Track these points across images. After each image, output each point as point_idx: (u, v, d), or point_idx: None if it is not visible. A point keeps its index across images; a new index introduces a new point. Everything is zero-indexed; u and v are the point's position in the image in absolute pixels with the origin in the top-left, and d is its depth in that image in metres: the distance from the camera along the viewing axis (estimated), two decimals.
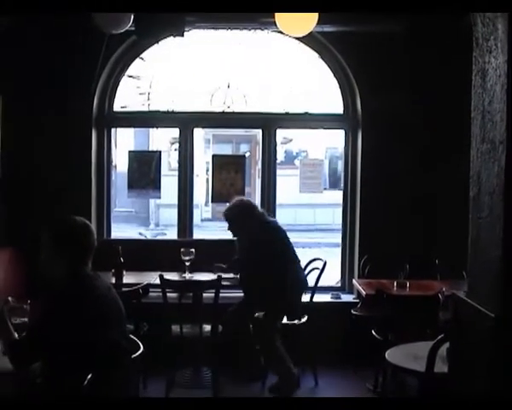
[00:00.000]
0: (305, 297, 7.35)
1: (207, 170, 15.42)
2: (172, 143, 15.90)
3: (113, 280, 6.84)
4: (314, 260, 7.74)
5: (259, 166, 8.71)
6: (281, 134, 8.69)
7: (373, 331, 6.66)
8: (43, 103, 7.78)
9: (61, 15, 7.05)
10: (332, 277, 8.63)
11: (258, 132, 8.75)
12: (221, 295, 6.64)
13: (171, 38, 7.76)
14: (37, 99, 7.78)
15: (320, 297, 7.82)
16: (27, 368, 4.01)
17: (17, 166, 7.82)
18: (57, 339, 3.78)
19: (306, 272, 7.49)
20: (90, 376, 3.56)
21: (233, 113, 8.52)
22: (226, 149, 18.08)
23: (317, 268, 7.42)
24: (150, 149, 16.31)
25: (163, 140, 16.46)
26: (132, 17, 7.00)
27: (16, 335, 3.97)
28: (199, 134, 8.23)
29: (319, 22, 6.61)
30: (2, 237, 7.66)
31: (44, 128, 7.76)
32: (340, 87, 8.32)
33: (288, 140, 19.28)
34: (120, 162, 8.86)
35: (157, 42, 8.16)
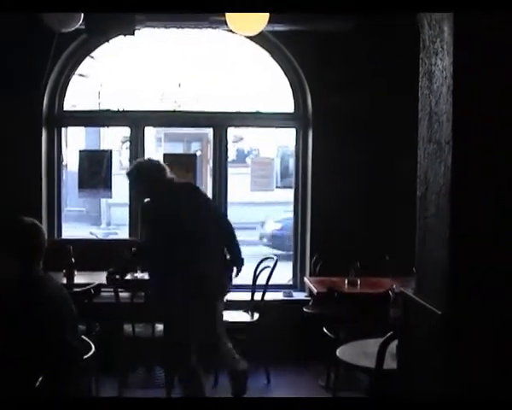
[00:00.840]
0: (257, 295, 7.40)
1: None
2: (123, 142, 15.84)
3: (65, 280, 6.81)
4: (266, 258, 7.78)
5: (211, 164, 8.72)
6: (232, 133, 8.71)
7: (324, 329, 6.71)
8: None
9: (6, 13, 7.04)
10: (284, 275, 8.67)
11: (210, 131, 8.76)
12: None
13: (122, 36, 7.72)
14: None
15: (272, 295, 7.85)
16: None
17: None
18: (8, 339, 3.76)
19: (259, 270, 7.53)
20: (41, 377, 3.55)
21: (184, 112, 8.54)
22: (178, 148, 18.03)
23: (269, 266, 7.46)
24: (102, 148, 16.22)
25: (114, 139, 16.39)
26: (82, 15, 6.98)
27: None
28: (150, 133, 8.22)
29: (270, 21, 6.65)
30: None
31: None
32: (291, 86, 8.37)
33: (239, 138, 19.33)
34: (71, 161, 8.80)
35: (107, 40, 8.11)
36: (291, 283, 8.60)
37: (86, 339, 4.30)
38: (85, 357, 4.00)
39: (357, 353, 4.83)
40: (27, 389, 3.54)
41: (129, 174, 6.26)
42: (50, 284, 3.98)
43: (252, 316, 7.35)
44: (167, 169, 6.21)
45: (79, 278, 6.97)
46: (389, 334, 4.05)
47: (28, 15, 6.93)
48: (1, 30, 7.41)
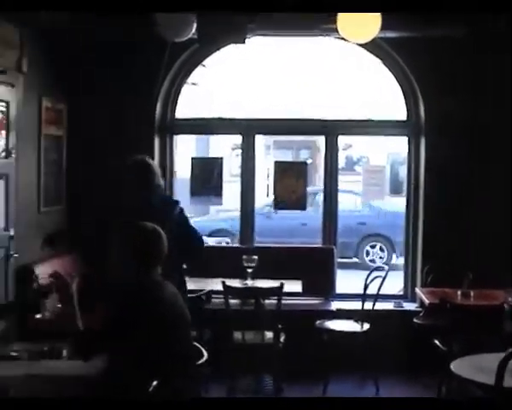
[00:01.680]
0: (368, 305, 7.33)
1: (267, 176, 15.42)
2: (233, 149, 15.95)
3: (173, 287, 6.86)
4: (377, 268, 7.69)
5: (320, 172, 8.68)
6: (342, 140, 8.64)
7: (436, 341, 6.58)
8: (107, 110, 7.86)
9: (124, 24, 7.18)
10: (395, 285, 8.55)
11: (319, 138, 8.72)
12: (283, 302, 6.64)
13: (233, 45, 7.78)
14: (100, 106, 7.86)
15: (382, 305, 7.75)
16: (90, 358, 4.07)
17: (83, 172, 7.91)
18: (125, 341, 3.82)
19: (369, 279, 7.44)
20: (155, 382, 3.58)
21: (295, 119, 8.51)
22: (286, 156, 18.06)
23: (380, 276, 7.37)
24: (210, 155, 16.37)
25: (223, 146, 16.50)
26: (195, 25, 7.06)
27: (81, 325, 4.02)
28: (259, 140, 8.24)
29: (381, 28, 6.58)
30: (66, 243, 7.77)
31: (108, 135, 7.84)
32: (404, 93, 8.25)
33: (348, 146, 19.20)
34: (180, 169, 8.89)
35: (219, 49, 8.18)
36: (401, 293, 8.48)
37: (198, 346, 4.32)
38: (198, 363, 4.01)
39: (473, 367, 4.69)
40: (141, 392, 3.58)
41: None
42: (167, 290, 4.03)
43: (361, 326, 7.27)
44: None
45: (190, 285, 7.01)
46: (510, 350, 3.92)
47: (142, 26, 7.05)
48: (117, 39, 7.56)
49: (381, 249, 15.08)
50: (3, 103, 6.61)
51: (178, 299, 4.08)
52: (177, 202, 6.10)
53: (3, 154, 6.66)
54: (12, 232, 6.69)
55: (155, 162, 7.96)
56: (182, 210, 6.00)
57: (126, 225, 4.15)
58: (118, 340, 3.83)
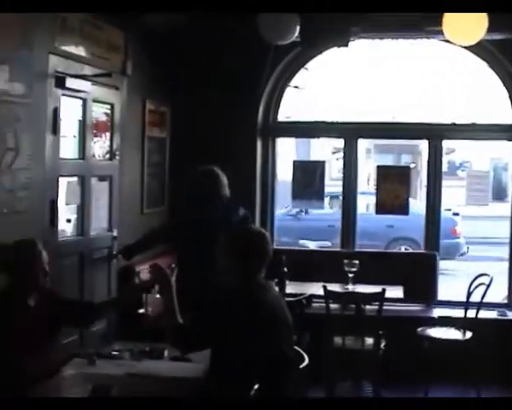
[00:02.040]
0: (471, 313, 7.17)
1: (368, 180, 15.31)
2: (334, 153, 15.89)
3: (277, 290, 6.87)
4: (480, 275, 7.52)
5: (421, 177, 8.54)
6: (445, 144, 8.47)
7: None
8: (209, 112, 7.92)
9: (228, 26, 7.23)
10: (497, 292, 8.34)
11: (421, 143, 8.59)
12: (385, 307, 6.57)
13: (336, 48, 7.75)
14: (203, 108, 7.93)
15: (485, 314, 7.57)
16: (191, 352, 4.16)
17: (185, 174, 7.99)
18: (225, 343, 3.83)
19: (473, 287, 7.28)
20: (257, 385, 3.58)
21: (398, 123, 8.41)
22: (387, 160, 17.89)
23: (484, 283, 7.19)
24: (311, 159, 16.36)
25: (324, 150, 16.46)
26: (298, 28, 7.05)
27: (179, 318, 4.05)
28: (360, 143, 8.17)
29: (487, 30, 6.43)
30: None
31: (210, 137, 7.90)
32: (510, 97, 8.04)
33: (451, 150, 18.88)
34: (280, 172, 8.89)
35: (321, 52, 8.15)
36: (506, 301, 8.26)
37: (299, 350, 4.29)
38: (300, 368, 3.99)
39: None
40: (243, 395, 3.58)
41: None
42: (270, 293, 4.02)
43: (464, 334, 7.12)
44: None
45: (291, 288, 7.01)
46: None
47: (246, 28, 7.09)
48: (221, 42, 7.61)
49: None
50: (108, 106, 6.73)
51: (281, 302, 4.07)
52: (239, 209, 6.38)
53: (108, 155, 6.79)
54: (115, 233, 6.81)
55: (258, 165, 8.08)
56: (246, 219, 6.17)
57: (232, 229, 4.18)
58: (220, 341, 3.84)
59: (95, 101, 6.45)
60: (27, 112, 5.28)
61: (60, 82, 5.73)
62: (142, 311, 5.01)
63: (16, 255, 4.61)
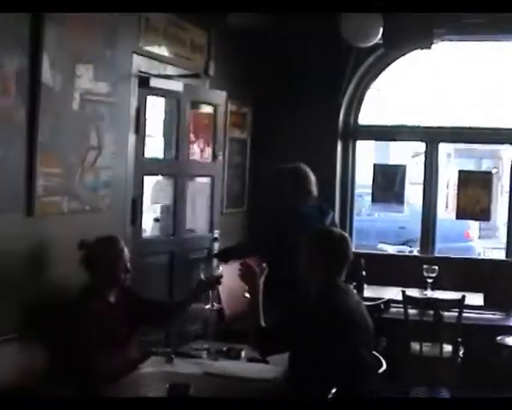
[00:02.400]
0: None
1: (447, 185, 15.07)
2: (414, 157, 15.68)
3: (357, 294, 6.83)
4: None
5: (502, 182, 8.37)
6: None
7: None
8: (291, 114, 7.91)
9: (311, 28, 7.21)
10: None
11: (504, 148, 8.42)
12: (464, 315, 6.47)
13: (419, 50, 7.67)
14: (284, 110, 7.92)
15: None
16: (271, 355, 4.16)
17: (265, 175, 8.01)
18: (298, 343, 3.81)
19: None
20: (334, 389, 3.56)
21: (481, 128, 8.26)
22: (468, 165, 17.59)
23: None
24: (390, 162, 16.21)
25: (403, 153, 16.27)
26: (381, 30, 7.00)
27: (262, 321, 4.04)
28: (441, 147, 8.06)
29: None
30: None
31: (291, 139, 7.89)
32: None
33: None
34: (360, 174, 8.82)
35: (404, 54, 8.06)
36: None
37: (377, 355, 4.25)
38: (378, 372, 3.95)
39: None
40: (320, 397, 3.56)
41: None
42: (351, 297, 4.01)
43: None
44: None
45: (368, 292, 6.96)
46: None
47: (328, 30, 7.07)
48: (303, 43, 7.59)
49: None
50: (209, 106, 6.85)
51: (361, 306, 4.05)
52: (329, 210, 6.29)
53: (208, 156, 6.85)
54: (216, 234, 6.82)
55: (338, 168, 8.03)
56: (334, 222, 6.15)
57: (316, 233, 4.16)
58: (300, 343, 3.83)
59: (195, 102, 6.56)
60: (111, 111, 5.34)
61: (143, 82, 5.80)
62: (208, 306, 5.02)
63: (97, 252, 4.69)
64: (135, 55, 5.71)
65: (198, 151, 6.84)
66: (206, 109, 6.98)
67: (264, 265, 4.18)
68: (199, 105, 6.86)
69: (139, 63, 5.77)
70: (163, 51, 6.12)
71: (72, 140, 4.92)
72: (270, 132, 7.98)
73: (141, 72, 5.79)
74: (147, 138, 6.00)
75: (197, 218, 6.83)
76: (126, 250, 4.78)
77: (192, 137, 6.66)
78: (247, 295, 4.20)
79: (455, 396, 6.58)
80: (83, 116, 5.02)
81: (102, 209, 5.34)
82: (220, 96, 6.92)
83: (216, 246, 6.80)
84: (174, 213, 6.40)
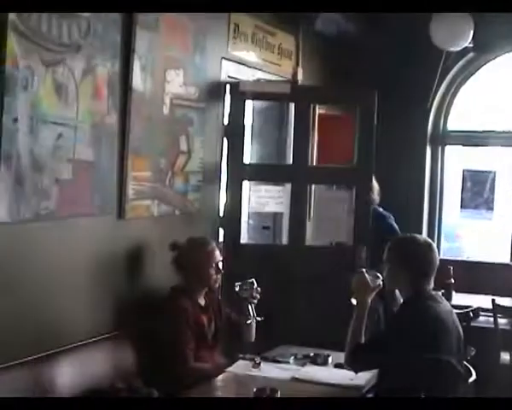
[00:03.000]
0: None
1: None
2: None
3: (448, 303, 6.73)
4: None
5: None
6: None
7: None
8: (379, 118, 7.85)
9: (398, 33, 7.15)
10: None
11: None
12: None
13: (509, 53, 7.57)
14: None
15: None
16: (362, 371, 4.10)
17: None
18: (391, 354, 3.78)
19: None
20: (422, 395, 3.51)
21: None
22: None
23: None
24: (481, 169, 15.93)
25: (493, 159, 15.96)
26: (471, 33, 6.91)
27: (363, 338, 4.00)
28: None
29: None
30: None
31: (381, 142, 7.83)
32: None
33: None
34: (448, 180, 8.70)
35: (495, 58, 7.93)
36: None
37: (467, 365, 4.17)
38: (469, 382, 3.89)
39: None
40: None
41: None
42: (441, 305, 3.94)
43: None
44: None
45: (457, 300, 6.84)
46: None
47: (418, 34, 7.00)
48: (391, 47, 7.52)
49: None
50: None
51: (453, 315, 3.97)
52: (389, 216, 6.46)
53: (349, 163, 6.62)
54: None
55: (427, 173, 7.93)
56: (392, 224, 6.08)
57: (401, 239, 4.12)
58: (389, 352, 3.79)
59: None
60: (200, 116, 5.39)
61: (236, 87, 5.82)
62: (249, 321, 4.94)
63: (189, 252, 4.73)
64: (224, 61, 5.75)
65: (328, 156, 6.64)
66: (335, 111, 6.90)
67: (379, 282, 4.09)
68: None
69: (228, 68, 5.80)
70: (251, 57, 6.14)
71: (163, 144, 4.98)
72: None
73: (230, 77, 5.82)
74: (243, 144, 6.00)
75: (330, 227, 6.48)
76: (218, 253, 4.82)
77: (318, 141, 6.60)
78: (354, 302, 4.12)
79: None
80: (173, 121, 5.08)
81: (192, 213, 5.39)
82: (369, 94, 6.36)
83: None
84: (290, 220, 6.09)
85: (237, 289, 4.86)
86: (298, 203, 6.02)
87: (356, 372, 4.11)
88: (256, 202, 6.27)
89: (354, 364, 4.02)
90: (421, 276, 3.93)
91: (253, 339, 5.09)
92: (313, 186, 6.42)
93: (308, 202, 6.27)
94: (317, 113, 6.86)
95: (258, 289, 4.92)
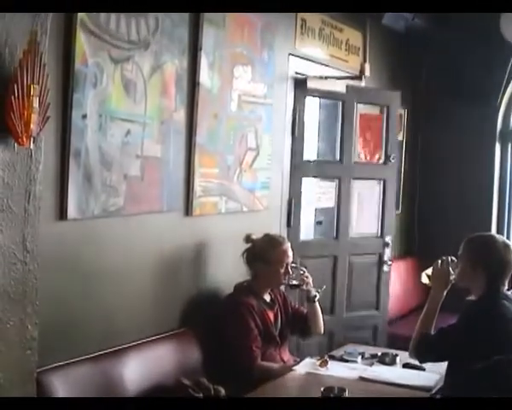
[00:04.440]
0: None
1: None
2: None
3: None
4: None
5: None
6: None
7: None
8: (447, 115, 7.75)
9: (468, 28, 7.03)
10: None
11: None
12: None
13: None
14: (440, 111, 7.78)
15: None
16: (425, 362, 4.07)
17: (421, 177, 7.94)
18: (461, 352, 3.72)
19: None
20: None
21: None
22: None
23: None
24: None
25: None
26: None
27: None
28: None
29: None
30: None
31: (447, 140, 7.73)
32: None
33: None
34: None
35: None
36: None
37: None
38: None
39: None
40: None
41: None
42: None
43: None
44: None
45: None
46: None
47: (488, 28, 6.87)
48: (464, 41, 7.41)
49: None
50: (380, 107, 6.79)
51: None
52: None
53: (381, 159, 6.73)
54: (388, 239, 6.65)
55: (496, 170, 7.79)
56: None
57: (477, 237, 4.04)
58: (459, 352, 3.73)
59: (363, 102, 6.50)
60: (268, 112, 5.38)
61: (300, 83, 5.80)
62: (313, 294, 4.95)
63: (263, 247, 4.71)
64: (291, 57, 5.72)
65: (367, 153, 6.74)
66: (373, 111, 6.86)
67: (453, 276, 4.03)
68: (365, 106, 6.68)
69: (295, 65, 5.77)
70: (318, 53, 6.10)
71: (230, 141, 4.98)
72: (425, 133, 7.86)
73: (297, 73, 5.79)
74: (305, 140, 5.99)
75: (366, 221, 6.69)
76: (291, 253, 4.78)
77: (360, 139, 6.58)
78: (425, 281, 4.08)
79: None
80: (241, 117, 5.07)
81: (260, 211, 5.37)
82: (392, 96, 6.76)
83: (387, 251, 6.65)
84: (337, 216, 6.31)
85: (286, 281, 4.83)
86: (343, 199, 6.31)
87: (420, 362, 4.08)
88: (317, 199, 6.39)
89: (419, 353, 3.97)
90: (497, 276, 3.85)
91: (322, 331, 5.08)
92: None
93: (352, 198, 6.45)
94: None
95: (305, 270, 4.90)
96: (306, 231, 6.39)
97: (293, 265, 4.80)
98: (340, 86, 6.16)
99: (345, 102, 6.28)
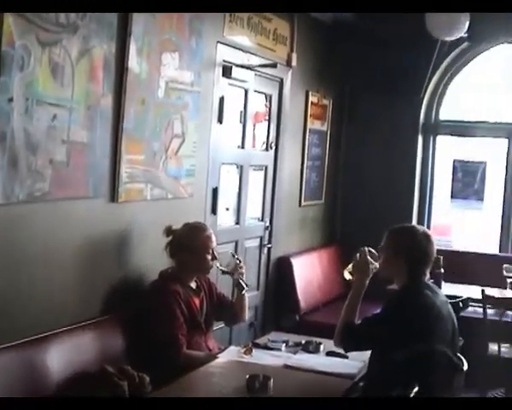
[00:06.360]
0: None
1: None
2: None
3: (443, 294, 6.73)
4: None
5: None
6: None
7: None
8: (371, 107, 7.85)
9: (393, 23, 7.12)
10: None
11: None
12: None
13: (503, 44, 7.55)
14: (365, 103, 7.88)
15: None
16: (350, 351, 4.13)
17: (343, 168, 8.01)
18: (384, 340, 3.78)
19: None
20: (416, 388, 3.50)
21: None
22: None
23: None
24: (471, 159, 15.92)
25: (484, 150, 15.96)
26: (467, 23, 6.88)
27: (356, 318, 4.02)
28: None
29: None
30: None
31: (371, 132, 7.84)
32: None
33: None
34: (439, 170, 8.69)
35: (489, 48, 7.92)
36: None
37: (459, 355, 4.16)
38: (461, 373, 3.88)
39: None
40: (401, 396, 3.51)
41: None
42: (436, 294, 3.95)
43: None
44: None
45: (446, 290, 6.84)
46: None
47: (411, 23, 6.98)
48: (384, 37, 7.50)
49: None
50: (267, 96, 6.77)
51: (447, 306, 3.99)
52: None
53: (264, 146, 6.82)
54: (267, 223, 6.86)
55: (417, 162, 7.93)
56: None
57: (397, 229, 4.11)
58: (382, 340, 3.79)
59: (255, 91, 6.49)
60: (195, 100, 5.36)
61: (227, 71, 5.80)
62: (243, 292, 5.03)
63: (185, 236, 4.71)
64: (219, 45, 5.71)
65: (259, 141, 6.82)
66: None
67: (376, 264, 4.11)
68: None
69: (223, 53, 5.77)
70: (246, 41, 6.11)
71: (157, 128, 4.95)
72: (349, 125, 7.95)
73: (225, 61, 5.79)
74: (227, 128, 5.99)
75: (256, 207, 6.87)
76: (214, 237, 4.79)
77: (254, 127, 6.64)
78: (347, 277, 4.17)
79: None
80: (168, 104, 5.04)
81: (184, 198, 5.36)
82: (274, 86, 6.78)
83: (267, 235, 6.85)
84: (239, 202, 6.47)
85: (218, 266, 4.86)
86: (243, 186, 6.48)
87: (345, 351, 4.14)
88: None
89: (344, 342, 4.04)
90: (418, 266, 3.93)
91: (247, 318, 5.14)
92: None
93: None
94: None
95: (241, 259, 4.94)
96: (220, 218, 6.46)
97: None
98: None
99: (247, 90, 6.35)
